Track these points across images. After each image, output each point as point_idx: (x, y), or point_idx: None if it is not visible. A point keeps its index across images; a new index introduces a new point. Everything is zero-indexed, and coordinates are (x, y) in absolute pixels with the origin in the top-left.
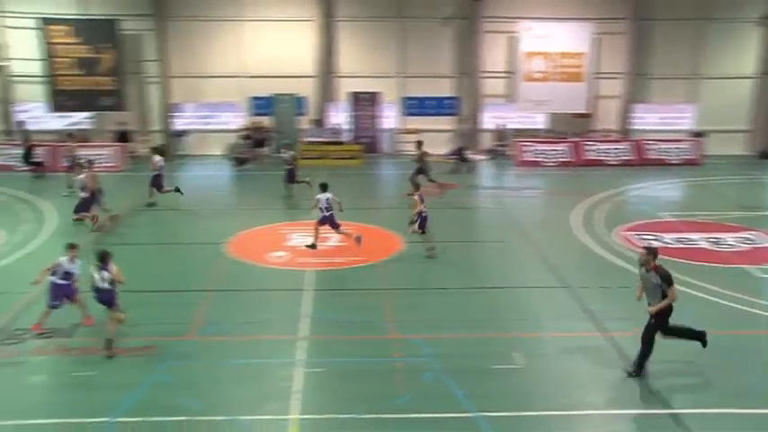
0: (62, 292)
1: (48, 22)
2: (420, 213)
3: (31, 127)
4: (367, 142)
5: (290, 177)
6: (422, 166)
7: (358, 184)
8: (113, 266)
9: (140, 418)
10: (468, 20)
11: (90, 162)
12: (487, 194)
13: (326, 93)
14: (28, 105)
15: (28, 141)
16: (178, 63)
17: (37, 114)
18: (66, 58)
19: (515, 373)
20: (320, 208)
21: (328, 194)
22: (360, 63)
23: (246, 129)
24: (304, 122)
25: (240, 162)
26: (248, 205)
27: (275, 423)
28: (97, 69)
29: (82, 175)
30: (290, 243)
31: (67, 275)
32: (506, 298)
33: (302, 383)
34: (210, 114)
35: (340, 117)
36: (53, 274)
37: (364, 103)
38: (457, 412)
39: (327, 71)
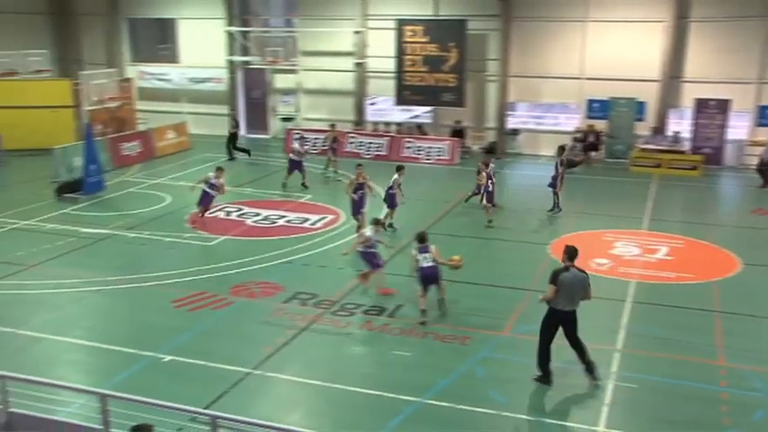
0: (373, 257)
1: (403, 22)
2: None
3: (379, 118)
4: (709, 153)
5: None
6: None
7: (695, 197)
8: (433, 246)
9: (448, 404)
10: None
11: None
12: None
13: (669, 98)
14: (376, 98)
15: (235, 128)
16: (517, 62)
17: (383, 107)
18: (415, 55)
19: None
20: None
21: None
22: (710, 67)
23: (580, 131)
24: (641, 128)
25: (571, 164)
26: (575, 209)
27: None
28: (441, 67)
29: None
30: (615, 251)
31: (373, 245)
32: None
33: (612, 396)
34: (544, 115)
35: (681, 124)
36: (364, 244)
37: (711, 110)
38: None
39: (672, 75)
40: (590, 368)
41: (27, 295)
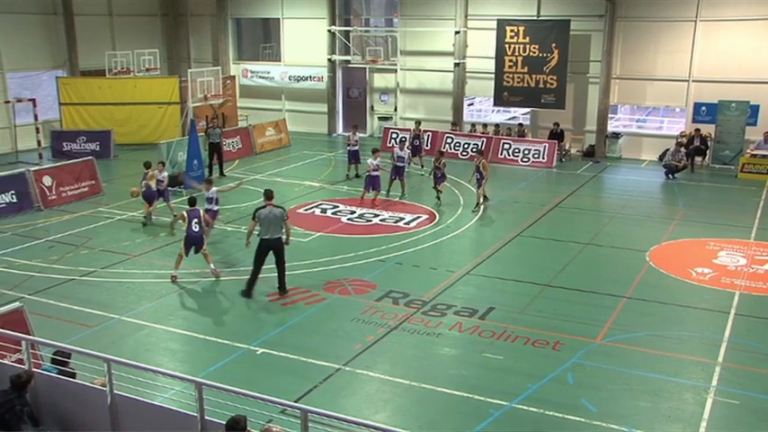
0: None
1: (504, 23)
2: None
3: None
4: None
5: None
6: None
7: None
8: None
9: (537, 410)
10: None
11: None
12: None
13: None
14: (475, 99)
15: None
16: (621, 64)
17: (481, 108)
18: (515, 56)
19: None
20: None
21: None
22: None
23: (684, 135)
24: (753, 133)
25: (673, 169)
26: (677, 215)
27: None
28: (541, 68)
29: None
30: (719, 261)
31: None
32: None
33: (710, 412)
34: (647, 118)
35: None
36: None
37: None
38: None
39: None
40: (282, 289)
41: (131, 284)
